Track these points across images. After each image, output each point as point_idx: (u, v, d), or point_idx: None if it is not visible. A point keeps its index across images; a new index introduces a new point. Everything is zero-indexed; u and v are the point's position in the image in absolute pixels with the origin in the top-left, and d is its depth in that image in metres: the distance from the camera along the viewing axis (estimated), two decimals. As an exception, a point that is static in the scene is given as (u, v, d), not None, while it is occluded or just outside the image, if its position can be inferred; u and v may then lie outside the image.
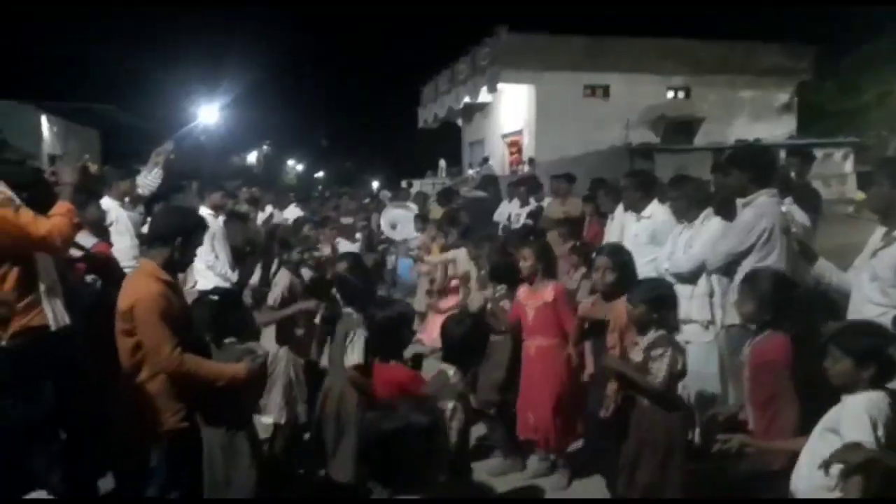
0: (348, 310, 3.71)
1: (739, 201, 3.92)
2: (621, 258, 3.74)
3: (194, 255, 3.27)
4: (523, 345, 4.08)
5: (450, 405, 2.69)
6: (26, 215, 2.91)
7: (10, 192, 2.99)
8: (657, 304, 3.21)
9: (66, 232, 3.00)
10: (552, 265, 4.23)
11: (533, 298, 4.05)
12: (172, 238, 2.98)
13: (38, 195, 3.14)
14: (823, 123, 17.20)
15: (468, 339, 2.98)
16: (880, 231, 3.20)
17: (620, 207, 5.66)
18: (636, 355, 3.24)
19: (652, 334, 3.20)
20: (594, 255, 4.25)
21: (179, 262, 3.10)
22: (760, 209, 3.65)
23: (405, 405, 1.94)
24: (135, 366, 2.90)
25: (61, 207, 3.06)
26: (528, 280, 4.13)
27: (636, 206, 5.01)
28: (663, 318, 3.21)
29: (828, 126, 16.81)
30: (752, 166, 3.78)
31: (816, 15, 17.11)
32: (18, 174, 3.22)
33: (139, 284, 2.91)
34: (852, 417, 2.25)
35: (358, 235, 9.05)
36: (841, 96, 17.13)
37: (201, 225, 3.20)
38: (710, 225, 4.18)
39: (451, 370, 2.91)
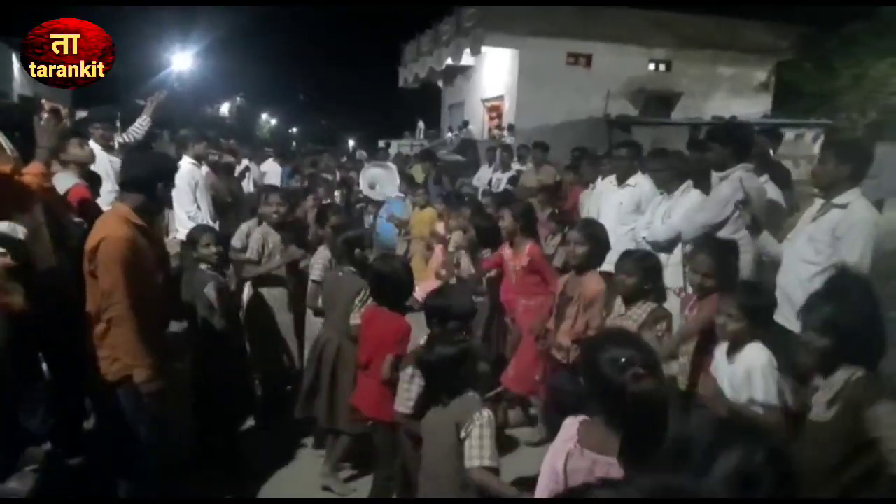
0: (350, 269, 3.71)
1: (715, 175, 4.06)
2: (592, 231, 3.64)
3: (170, 200, 3.23)
4: (513, 303, 4.28)
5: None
6: (6, 166, 2.91)
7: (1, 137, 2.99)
8: (649, 274, 3.24)
9: (34, 192, 3.00)
10: (531, 224, 4.34)
11: (515, 260, 4.19)
12: (150, 183, 2.87)
13: (28, 135, 3.14)
14: (799, 104, 17.37)
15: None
16: (818, 203, 3.42)
17: (600, 176, 5.78)
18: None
19: (645, 306, 3.19)
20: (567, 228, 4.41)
21: (155, 207, 3.04)
22: (737, 183, 3.79)
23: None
24: (96, 307, 2.75)
25: (35, 168, 3.07)
26: (509, 241, 4.24)
27: (625, 176, 5.14)
28: (654, 288, 3.23)
29: (803, 106, 16.99)
30: (732, 141, 3.93)
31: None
32: (7, 115, 3.20)
33: (107, 226, 2.77)
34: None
35: (336, 193, 9.11)
36: (818, 77, 17.28)
37: (175, 169, 3.17)
38: (689, 197, 4.32)
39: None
